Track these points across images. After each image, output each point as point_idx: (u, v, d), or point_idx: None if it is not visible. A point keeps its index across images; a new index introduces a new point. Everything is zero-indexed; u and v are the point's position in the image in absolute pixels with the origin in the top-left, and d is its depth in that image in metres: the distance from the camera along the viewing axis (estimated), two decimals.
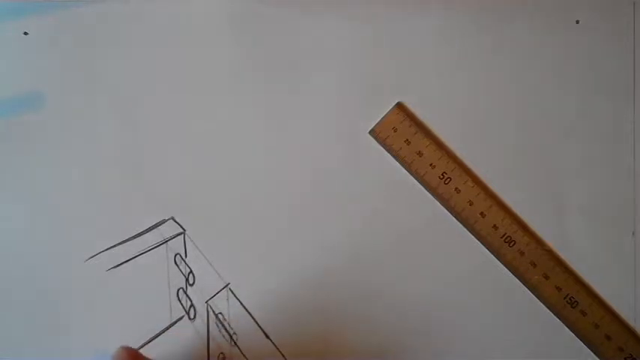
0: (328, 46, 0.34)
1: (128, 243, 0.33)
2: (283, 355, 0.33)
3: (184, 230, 0.33)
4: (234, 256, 0.34)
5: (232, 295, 0.33)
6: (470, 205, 0.34)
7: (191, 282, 0.33)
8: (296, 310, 0.34)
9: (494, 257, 0.34)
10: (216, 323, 0.33)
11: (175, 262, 0.33)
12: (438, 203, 0.34)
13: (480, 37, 0.35)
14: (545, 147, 0.35)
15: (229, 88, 0.34)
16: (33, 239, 0.30)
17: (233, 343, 0.33)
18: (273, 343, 0.33)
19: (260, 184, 0.34)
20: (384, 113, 0.34)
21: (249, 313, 0.33)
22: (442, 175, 0.34)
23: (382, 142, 0.34)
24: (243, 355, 0.33)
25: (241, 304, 0.33)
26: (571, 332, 0.34)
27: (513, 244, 0.34)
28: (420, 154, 0.34)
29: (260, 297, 0.33)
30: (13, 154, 0.33)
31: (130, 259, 0.33)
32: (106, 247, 0.33)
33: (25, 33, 0.34)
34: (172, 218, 0.33)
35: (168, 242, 0.33)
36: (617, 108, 0.35)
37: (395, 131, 0.34)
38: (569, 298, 0.34)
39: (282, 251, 0.34)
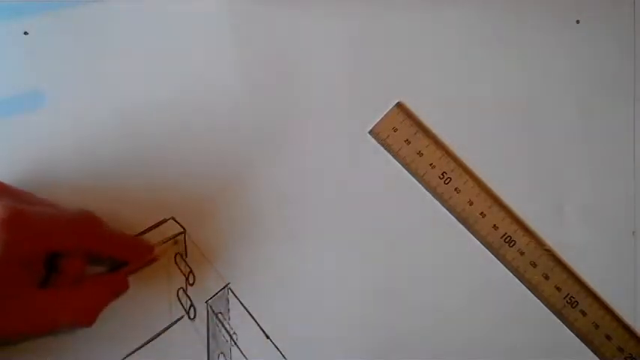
0: (328, 45, 0.34)
1: None
2: (283, 355, 0.33)
3: (184, 230, 0.33)
4: (234, 256, 0.33)
5: (232, 295, 0.33)
6: (470, 205, 0.34)
7: (191, 282, 0.33)
8: (295, 309, 0.34)
9: (494, 257, 0.34)
10: (216, 323, 0.33)
11: (175, 262, 0.33)
12: (438, 203, 0.34)
13: (480, 37, 0.35)
14: (546, 147, 0.35)
15: (229, 88, 0.34)
16: None
17: (233, 343, 0.33)
18: (273, 343, 0.33)
19: (260, 184, 0.34)
20: (384, 113, 0.34)
21: (249, 313, 0.33)
22: (442, 175, 0.34)
23: (382, 142, 0.34)
24: (243, 355, 0.33)
25: (241, 304, 0.33)
26: (571, 332, 0.34)
27: (513, 244, 0.34)
28: (420, 154, 0.34)
29: (260, 297, 0.33)
30: (13, 154, 0.33)
31: None
32: None
33: (25, 33, 0.34)
34: (172, 218, 0.33)
35: (168, 242, 0.33)
36: (617, 108, 0.35)
37: (395, 131, 0.34)
38: (569, 298, 0.34)
39: (282, 251, 0.34)
